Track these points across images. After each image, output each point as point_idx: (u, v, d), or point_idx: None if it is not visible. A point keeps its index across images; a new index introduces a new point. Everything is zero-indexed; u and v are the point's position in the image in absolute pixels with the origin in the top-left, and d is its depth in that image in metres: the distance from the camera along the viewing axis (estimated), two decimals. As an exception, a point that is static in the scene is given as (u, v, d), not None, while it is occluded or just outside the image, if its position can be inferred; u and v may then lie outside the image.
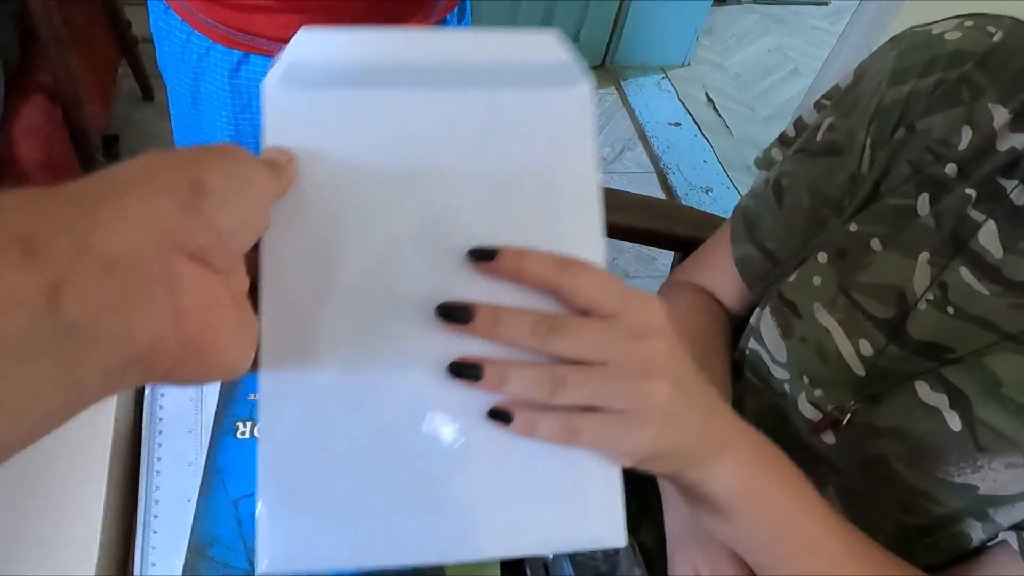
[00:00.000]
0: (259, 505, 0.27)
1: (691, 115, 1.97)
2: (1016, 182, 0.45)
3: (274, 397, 0.28)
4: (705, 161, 1.85)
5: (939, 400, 0.45)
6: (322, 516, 0.28)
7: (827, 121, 0.55)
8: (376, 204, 0.29)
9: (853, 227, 0.51)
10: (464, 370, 0.28)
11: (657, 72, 2.10)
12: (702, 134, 1.92)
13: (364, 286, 0.29)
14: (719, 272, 0.61)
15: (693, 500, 0.35)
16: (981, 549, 0.46)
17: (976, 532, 0.46)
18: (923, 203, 0.48)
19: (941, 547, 0.47)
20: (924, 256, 0.47)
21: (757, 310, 0.57)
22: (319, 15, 0.71)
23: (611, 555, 0.46)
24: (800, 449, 0.53)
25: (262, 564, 0.27)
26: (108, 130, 1.57)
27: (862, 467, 0.49)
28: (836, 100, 0.56)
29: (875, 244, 0.49)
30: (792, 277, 0.53)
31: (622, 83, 2.04)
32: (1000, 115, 0.46)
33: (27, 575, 0.41)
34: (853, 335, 0.49)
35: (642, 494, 0.60)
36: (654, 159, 1.85)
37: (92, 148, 1.22)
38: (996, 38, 0.48)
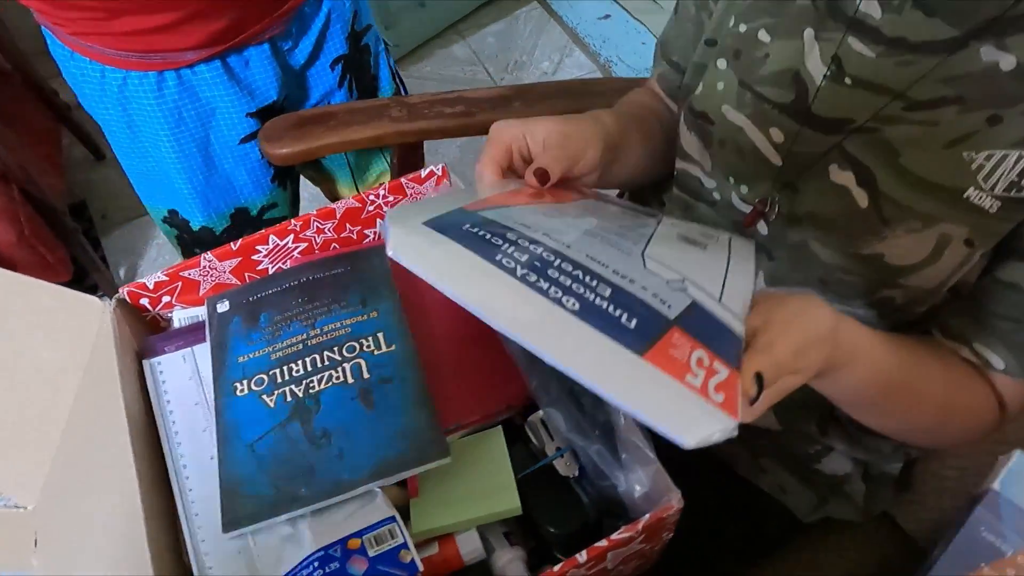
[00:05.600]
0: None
1: (617, 2, 1.95)
2: None
3: None
4: (643, 43, 1.84)
5: (847, 179, 0.48)
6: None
7: None
8: None
9: (742, 27, 0.53)
10: None
11: (573, -28, 2.06)
12: (634, 18, 1.90)
13: None
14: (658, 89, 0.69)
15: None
16: (907, 316, 0.51)
17: (896, 295, 0.50)
18: None
19: (871, 308, 0.51)
20: (809, 33, 0.49)
21: (680, 131, 0.60)
22: (212, 16, 0.74)
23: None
24: None
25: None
26: (71, 197, 1.62)
27: (787, 252, 0.53)
28: None
29: (763, 36, 0.52)
30: (698, 90, 0.56)
31: (542, -6, 2.01)
32: None
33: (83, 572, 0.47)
34: (763, 126, 0.52)
35: None
36: (594, 57, 1.84)
37: (60, 216, 1.26)
38: None
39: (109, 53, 0.76)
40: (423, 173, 0.63)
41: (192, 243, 0.94)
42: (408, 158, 0.77)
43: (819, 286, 0.53)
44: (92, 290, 1.40)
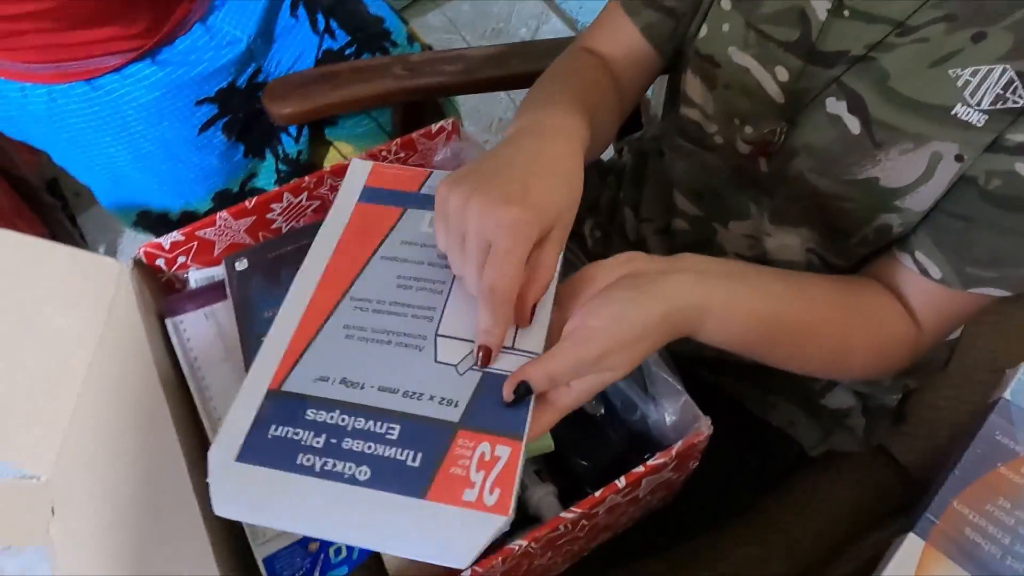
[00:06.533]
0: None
1: (592, -32, 1.94)
2: None
3: None
4: (620, 7, 1.84)
5: (840, 108, 0.50)
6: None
7: None
8: None
9: None
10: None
11: (546, -63, 2.05)
12: (608, -18, 1.90)
13: None
14: (616, 47, 0.62)
15: None
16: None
17: (893, 221, 0.51)
18: None
19: (870, 241, 0.53)
20: None
21: (683, 76, 0.60)
22: (126, 20, 0.69)
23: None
24: (739, 184, 0.59)
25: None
26: (46, 175, 1.57)
27: (787, 186, 0.55)
28: None
29: None
30: (703, 33, 0.57)
31: (516, -40, 1.99)
32: None
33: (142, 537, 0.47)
34: (768, 65, 0.54)
35: None
36: (570, 23, 1.84)
37: (37, 191, 1.23)
38: None
39: (25, 68, 0.69)
40: (434, 128, 0.63)
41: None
42: (412, 117, 0.77)
43: (818, 215, 0.55)
44: (72, 269, 1.36)
